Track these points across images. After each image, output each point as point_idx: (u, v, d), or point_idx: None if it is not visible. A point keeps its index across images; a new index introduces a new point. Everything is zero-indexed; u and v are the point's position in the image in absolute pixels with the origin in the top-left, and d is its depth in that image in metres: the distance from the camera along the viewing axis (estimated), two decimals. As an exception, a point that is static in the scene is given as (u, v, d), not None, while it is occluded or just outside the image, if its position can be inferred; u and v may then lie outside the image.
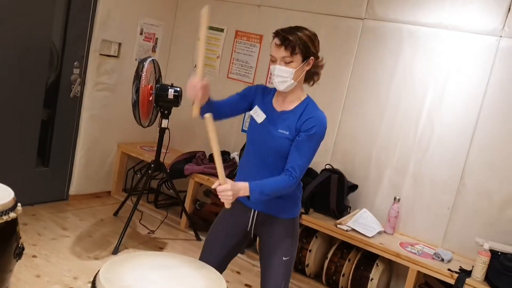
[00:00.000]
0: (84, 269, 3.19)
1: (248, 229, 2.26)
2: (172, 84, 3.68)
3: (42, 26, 3.68)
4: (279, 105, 2.18)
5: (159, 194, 4.57)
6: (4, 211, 2.22)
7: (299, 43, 2.02)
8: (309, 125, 2.05)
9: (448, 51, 3.41)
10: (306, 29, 2.11)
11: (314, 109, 2.12)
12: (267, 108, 2.19)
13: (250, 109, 2.24)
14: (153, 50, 4.60)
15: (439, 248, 3.33)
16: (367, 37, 3.70)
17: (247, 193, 1.99)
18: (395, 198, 3.52)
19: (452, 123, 3.41)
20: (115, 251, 3.49)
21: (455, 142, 3.40)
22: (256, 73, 4.26)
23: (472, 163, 3.34)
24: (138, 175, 4.72)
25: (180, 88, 3.70)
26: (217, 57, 4.47)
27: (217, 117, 2.13)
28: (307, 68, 2.12)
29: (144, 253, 2.04)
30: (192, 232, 4.11)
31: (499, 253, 2.99)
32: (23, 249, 2.38)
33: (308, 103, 2.15)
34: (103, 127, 4.36)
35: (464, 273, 2.99)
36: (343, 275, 3.45)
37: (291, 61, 2.04)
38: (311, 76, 2.21)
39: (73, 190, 4.28)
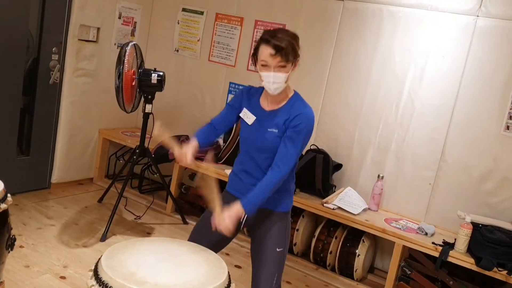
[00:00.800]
0: (73, 257, 3.18)
1: (240, 221, 2.28)
2: (155, 69, 3.65)
3: (18, 12, 3.59)
4: (268, 104, 2.20)
5: (143, 179, 4.55)
6: (-5, 201, 2.20)
7: (290, 48, 2.04)
8: (297, 121, 2.09)
9: (427, 31, 3.47)
10: (288, 30, 2.13)
11: (301, 105, 2.15)
12: (256, 109, 2.21)
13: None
14: (132, 34, 4.54)
15: (422, 223, 3.44)
16: (348, 19, 3.74)
17: (242, 212, 2.04)
18: (378, 176, 3.60)
19: (432, 101, 3.49)
20: (103, 238, 3.49)
21: (435, 120, 3.49)
22: (238, 55, 4.25)
23: (452, 140, 3.44)
24: (121, 161, 4.69)
25: (163, 72, 3.67)
26: (198, 40, 4.44)
27: (212, 139, 2.34)
28: (294, 69, 2.13)
29: (141, 239, 2.06)
30: (178, 216, 4.13)
31: (480, 225, 3.11)
32: (14, 240, 2.36)
33: (295, 100, 2.17)
34: (84, 114, 4.30)
35: (448, 246, 3.11)
36: (331, 253, 3.53)
37: (285, 66, 2.06)
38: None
39: (55, 178, 4.23)
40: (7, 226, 2.33)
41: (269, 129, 2.14)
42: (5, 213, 2.28)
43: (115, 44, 4.38)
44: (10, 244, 2.33)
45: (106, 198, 4.19)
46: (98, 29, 4.19)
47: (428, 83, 3.49)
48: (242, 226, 2.30)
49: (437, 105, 3.48)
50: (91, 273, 1.79)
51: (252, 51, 2.19)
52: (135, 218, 3.95)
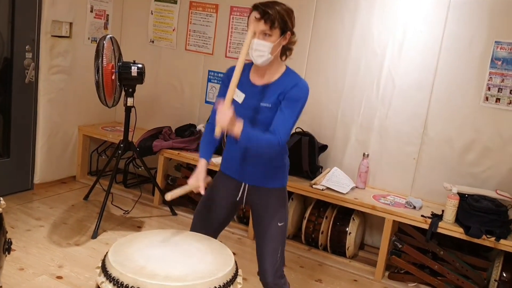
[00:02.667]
0: (67, 256, 3.15)
1: (238, 200, 2.30)
2: (134, 61, 3.60)
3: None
4: (259, 79, 2.17)
5: (127, 174, 4.51)
6: (-13, 206, 2.16)
7: (278, 17, 2.02)
8: (294, 92, 2.08)
9: (404, 6, 3.52)
10: (283, 4, 2.11)
11: (297, 77, 2.14)
12: (245, 86, 2.18)
13: None
14: (105, 27, 4.45)
15: (409, 197, 3.52)
16: (324, -1, 3.75)
17: (238, 132, 1.96)
18: (364, 154, 3.66)
19: (412, 77, 3.56)
20: (95, 235, 3.45)
21: (416, 95, 3.56)
22: (215, 43, 4.22)
23: (433, 114, 3.52)
24: (103, 157, 4.63)
25: (142, 64, 3.62)
26: (173, 30, 4.39)
27: (217, 143, 2.28)
28: (284, 42, 2.11)
29: (144, 233, 2.05)
30: (166, 208, 4.12)
31: (466, 195, 3.21)
32: (11, 243, 2.32)
33: (289, 73, 2.17)
34: (62, 111, 4.21)
35: (436, 217, 3.20)
36: (322, 233, 3.59)
37: (270, 35, 2.03)
38: (284, 51, 2.20)
39: (37, 178, 4.15)
40: (3, 230, 2.29)
41: (261, 104, 2.12)
42: (0, 216, 2.24)
43: (88, 38, 4.29)
44: (7, 247, 2.30)
45: (91, 195, 4.14)
46: (71, 24, 4.09)
47: (407, 59, 3.55)
48: (243, 205, 2.33)
49: (417, 81, 3.54)
50: (98, 270, 1.78)
51: None
52: (124, 213, 3.92)
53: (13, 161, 3.95)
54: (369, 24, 3.63)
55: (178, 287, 1.63)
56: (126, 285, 1.64)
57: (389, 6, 3.56)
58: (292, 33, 2.15)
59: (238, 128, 1.96)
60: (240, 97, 2.17)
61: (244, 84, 2.18)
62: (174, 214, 4.05)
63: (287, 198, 2.32)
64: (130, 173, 4.54)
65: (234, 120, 1.96)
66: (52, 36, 3.94)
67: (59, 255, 3.14)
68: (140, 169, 4.25)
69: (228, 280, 1.76)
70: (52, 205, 3.91)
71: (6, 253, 2.30)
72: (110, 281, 1.68)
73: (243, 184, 2.26)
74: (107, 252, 1.82)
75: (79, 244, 3.34)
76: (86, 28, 4.25)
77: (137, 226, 3.77)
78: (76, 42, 4.18)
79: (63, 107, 4.21)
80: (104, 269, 1.75)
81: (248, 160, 2.20)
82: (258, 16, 2.01)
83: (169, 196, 2.06)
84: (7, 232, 2.33)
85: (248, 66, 2.23)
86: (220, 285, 1.71)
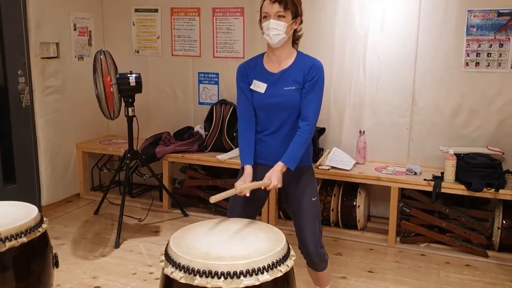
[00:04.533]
0: (97, 267, 3.24)
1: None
2: (131, 71, 3.69)
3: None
4: (275, 67, 2.33)
5: (132, 184, 4.59)
6: (37, 224, 2.25)
7: (290, 1, 2.23)
8: (312, 73, 2.27)
9: (379, -11, 3.74)
10: None
11: (310, 58, 2.33)
12: (264, 76, 2.33)
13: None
14: (89, 43, 4.51)
15: (408, 165, 3.75)
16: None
17: (285, 168, 2.25)
18: (360, 131, 3.87)
19: (396, 52, 3.78)
20: (117, 245, 3.54)
21: (402, 68, 3.79)
22: (202, 45, 4.35)
23: (420, 85, 3.76)
24: (105, 171, 4.70)
25: (138, 73, 3.72)
26: (157, 38, 4.49)
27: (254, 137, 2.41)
28: (295, 27, 2.31)
29: (190, 226, 2.16)
30: (177, 211, 4.23)
31: (462, 155, 3.46)
32: (57, 257, 2.41)
33: (302, 55, 2.35)
34: (60, 131, 4.26)
35: (439, 179, 3.44)
36: (332, 210, 3.78)
37: (284, 16, 2.23)
38: (294, 39, 2.39)
39: (44, 200, 4.19)
40: (49, 246, 2.38)
41: (285, 88, 2.28)
42: (45, 233, 2.33)
43: (75, 56, 4.35)
44: (55, 262, 2.39)
45: (101, 208, 4.21)
46: (57, 44, 4.15)
47: (389, 36, 3.77)
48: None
49: (401, 55, 3.77)
50: (163, 263, 1.90)
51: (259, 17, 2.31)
52: (139, 220, 4.02)
53: (19, 186, 3.98)
54: (350, 8, 3.84)
55: (246, 264, 1.77)
56: (197, 269, 1.77)
57: (366, -11, 3.78)
58: (301, 21, 2.33)
59: (283, 168, 2.24)
60: (261, 87, 2.32)
61: (263, 74, 2.34)
62: (186, 215, 4.16)
63: (314, 174, 2.49)
64: (134, 184, 4.63)
65: (278, 174, 2.22)
66: (41, 58, 3.99)
67: (90, 268, 3.23)
68: (144, 177, 4.34)
69: (285, 253, 1.92)
70: (66, 224, 3.97)
71: (55, 266, 2.39)
72: (180, 269, 1.81)
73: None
74: (166, 246, 1.94)
75: (105, 255, 3.43)
76: (72, 47, 4.31)
77: (154, 231, 3.87)
78: (65, 61, 4.24)
79: (60, 127, 4.26)
80: (171, 260, 1.87)
81: (283, 148, 2.33)
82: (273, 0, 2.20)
83: (213, 199, 2.17)
84: (52, 247, 2.42)
85: (260, 58, 2.39)
86: (280, 258, 1.87)
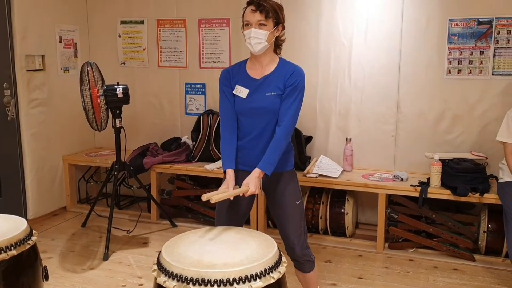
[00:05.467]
0: (86, 280, 3.21)
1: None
2: (118, 83, 3.69)
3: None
4: (258, 73, 2.38)
5: (119, 195, 4.57)
6: (27, 236, 2.24)
7: (271, 9, 2.28)
8: (292, 79, 2.32)
9: (362, -1, 3.82)
10: (272, 1, 2.34)
11: (292, 65, 2.39)
12: (247, 81, 2.38)
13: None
14: (75, 55, 4.50)
15: (394, 171, 3.80)
16: (289, 2, 3.96)
17: (262, 174, 2.27)
18: (347, 139, 3.92)
19: (380, 61, 3.85)
20: (106, 257, 3.51)
21: (386, 77, 3.85)
22: (188, 56, 4.37)
23: (404, 92, 3.83)
24: (92, 183, 4.67)
25: (126, 85, 3.72)
26: (143, 49, 4.51)
27: (236, 142, 2.42)
28: (277, 34, 2.36)
29: (182, 235, 2.17)
30: (165, 222, 4.22)
31: (447, 160, 3.52)
32: (47, 270, 2.40)
33: (284, 62, 2.41)
34: (46, 144, 4.24)
35: (425, 184, 3.49)
36: (321, 218, 3.81)
37: (265, 25, 2.27)
38: (276, 46, 2.44)
39: (31, 214, 4.15)
40: (39, 259, 2.36)
41: (267, 93, 2.32)
42: (35, 246, 2.32)
43: (61, 68, 4.34)
44: (45, 275, 2.37)
45: (88, 221, 4.18)
46: (43, 56, 4.14)
47: (373, 46, 3.84)
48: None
49: (384, 65, 3.83)
50: (155, 273, 1.90)
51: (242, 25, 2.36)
52: (127, 232, 4.00)
53: (5, 200, 3.94)
54: (333, 19, 3.90)
55: (239, 271, 1.78)
56: (190, 278, 1.77)
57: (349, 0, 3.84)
58: (283, 27, 2.39)
59: (259, 175, 2.26)
60: (243, 92, 2.36)
61: (245, 80, 2.38)
62: (174, 226, 4.15)
63: (297, 177, 2.52)
64: (122, 195, 4.61)
65: (255, 180, 2.24)
66: (27, 70, 3.98)
67: (79, 281, 3.20)
68: (132, 188, 4.33)
69: (277, 260, 1.93)
70: (53, 237, 3.93)
71: (45, 279, 2.38)
72: (173, 278, 1.81)
73: None
74: (159, 255, 1.95)
75: (93, 267, 3.40)
76: (58, 59, 4.30)
77: (143, 242, 3.85)
78: (50, 73, 4.22)
79: (46, 139, 4.23)
80: (163, 269, 1.87)
81: (262, 153, 2.36)
82: (254, 8, 2.26)
83: (205, 197, 2.19)
84: (41, 260, 2.41)
85: (244, 63, 2.44)
86: (272, 265, 1.88)
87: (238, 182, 2.42)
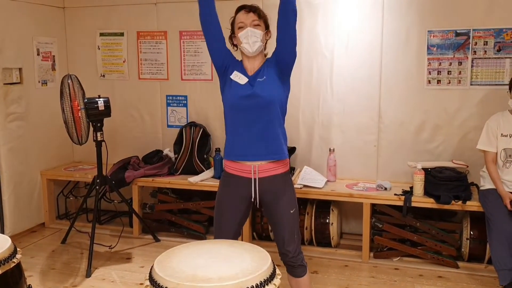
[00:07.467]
0: (69, 298, 3.13)
1: (252, 199, 2.46)
2: (99, 96, 3.64)
3: None
4: (250, 71, 2.43)
5: (100, 210, 4.47)
6: (11, 254, 2.16)
7: (262, 13, 2.40)
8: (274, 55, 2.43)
9: (343, 11, 3.86)
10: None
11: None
12: (243, 73, 2.42)
13: (219, 59, 2.42)
14: (53, 68, 4.42)
15: (378, 181, 3.84)
16: (268, 15, 4.00)
17: None
18: (330, 149, 3.94)
19: (361, 73, 3.89)
20: (88, 274, 3.43)
21: (367, 88, 3.90)
22: (169, 68, 4.35)
23: (385, 103, 3.88)
24: (71, 198, 4.57)
25: (107, 97, 3.67)
26: (123, 62, 4.46)
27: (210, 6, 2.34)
28: (268, 38, 2.46)
29: (174, 249, 2.13)
30: (147, 236, 4.15)
31: (429, 169, 3.57)
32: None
33: (269, 57, 2.50)
34: (23, 159, 4.13)
35: (408, 193, 3.53)
36: (306, 229, 3.80)
37: (259, 25, 2.36)
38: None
39: (8, 231, 4.02)
40: (23, 277, 2.29)
41: (258, 79, 2.37)
42: (19, 264, 2.24)
43: (39, 81, 4.26)
44: (29, 293, 2.30)
45: (68, 237, 4.08)
46: (20, 69, 4.05)
47: (354, 58, 3.89)
48: (256, 200, 2.47)
49: (365, 76, 3.88)
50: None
51: (230, 34, 2.43)
52: (109, 248, 3.91)
53: (-19, 217, 3.82)
54: (315, 31, 3.94)
55: (235, 284, 1.76)
56: (185, 293, 1.74)
57: (330, 12, 3.89)
58: (271, 35, 2.47)
59: None
60: (243, 79, 2.39)
61: (242, 72, 2.43)
62: (157, 240, 4.09)
63: (292, 183, 2.54)
64: (102, 210, 4.52)
65: None
66: (4, 84, 3.88)
67: (61, 299, 3.11)
68: (113, 203, 4.25)
69: (272, 272, 1.92)
70: (32, 254, 3.82)
71: (29, 299, 2.30)
72: (168, 294, 1.78)
73: (252, 180, 2.41)
74: (151, 270, 1.90)
75: (76, 285, 3.31)
76: (36, 72, 4.22)
77: (126, 258, 3.78)
78: (28, 87, 4.14)
79: (23, 154, 4.13)
80: (156, 284, 1.83)
81: (258, 143, 2.38)
82: (247, 10, 2.35)
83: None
84: (26, 278, 2.33)
85: (238, 63, 2.48)
86: (267, 277, 1.86)
87: (227, 189, 2.49)
